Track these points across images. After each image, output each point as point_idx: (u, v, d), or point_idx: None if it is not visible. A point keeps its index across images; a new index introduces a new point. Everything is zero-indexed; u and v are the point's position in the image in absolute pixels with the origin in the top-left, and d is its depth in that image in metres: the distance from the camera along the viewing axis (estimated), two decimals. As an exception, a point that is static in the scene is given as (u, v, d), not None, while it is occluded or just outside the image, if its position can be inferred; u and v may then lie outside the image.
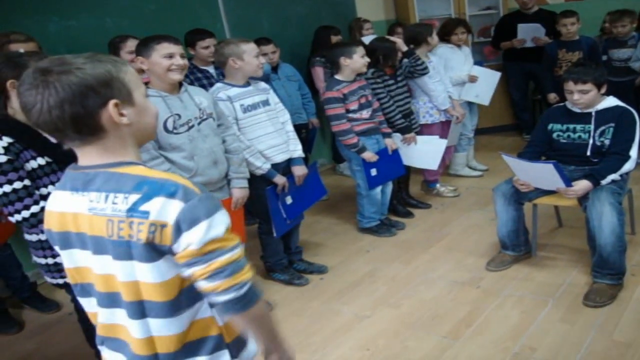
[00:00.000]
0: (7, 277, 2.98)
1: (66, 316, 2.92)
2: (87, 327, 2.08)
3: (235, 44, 2.63)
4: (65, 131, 1.00)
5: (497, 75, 4.39)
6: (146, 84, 2.30)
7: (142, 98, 1.08)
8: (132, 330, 1.08)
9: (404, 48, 3.58)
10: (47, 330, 2.85)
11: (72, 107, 0.97)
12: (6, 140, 1.72)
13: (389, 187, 3.64)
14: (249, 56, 2.63)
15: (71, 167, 1.10)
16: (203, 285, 1.02)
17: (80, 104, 0.97)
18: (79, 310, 2.01)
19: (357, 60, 3.22)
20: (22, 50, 2.33)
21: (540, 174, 2.63)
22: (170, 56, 2.22)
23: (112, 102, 1.00)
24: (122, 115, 1.02)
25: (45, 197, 1.78)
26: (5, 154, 1.71)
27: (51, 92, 0.96)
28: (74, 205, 1.07)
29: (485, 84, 4.31)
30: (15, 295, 3.04)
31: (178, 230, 0.98)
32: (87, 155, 1.05)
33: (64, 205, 1.09)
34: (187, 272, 1.02)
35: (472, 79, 4.24)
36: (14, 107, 1.76)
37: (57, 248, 1.15)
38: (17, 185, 1.73)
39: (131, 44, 2.97)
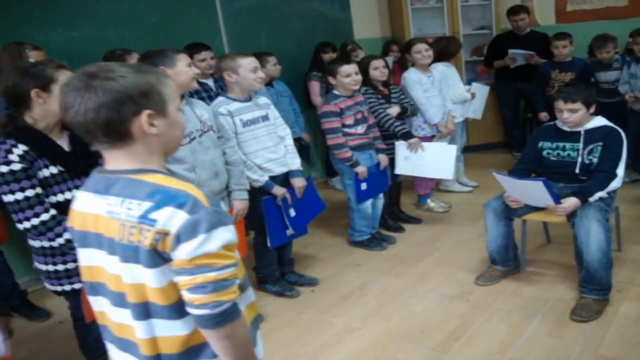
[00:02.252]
0: (-2, 284, 2.98)
1: (56, 325, 2.92)
2: (83, 334, 2.07)
3: (231, 58, 2.66)
4: (95, 134, 1.05)
5: (486, 88, 4.57)
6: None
7: (175, 111, 1.12)
8: (137, 331, 1.11)
9: (394, 113, 3.64)
10: (37, 339, 2.84)
11: (108, 112, 1.02)
12: (22, 148, 1.75)
13: (380, 201, 3.67)
14: (245, 70, 2.64)
15: (97, 170, 1.15)
16: (184, 294, 1.04)
17: (116, 110, 1.02)
18: (78, 318, 2.01)
19: (339, 80, 3.29)
20: (31, 60, 2.38)
21: (530, 191, 2.68)
22: (189, 65, 2.29)
23: (146, 112, 1.05)
24: (152, 125, 1.06)
25: (55, 206, 1.79)
26: (20, 162, 1.72)
27: (91, 95, 1.01)
28: (95, 207, 1.12)
29: (479, 99, 4.47)
30: (5, 303, 3.02)
31: (178, 240, 1.01)
32: (114, 159, 1.10)
33: (86, 206, 1.14)
34: (175, 279, 1.05)
35: (474, 96, 4.36)
36: (34, 117, 1.79)
37: (75, 245, 1.19)
38: (30, 193, 1.74)
39: (136, 56, 3.01)
